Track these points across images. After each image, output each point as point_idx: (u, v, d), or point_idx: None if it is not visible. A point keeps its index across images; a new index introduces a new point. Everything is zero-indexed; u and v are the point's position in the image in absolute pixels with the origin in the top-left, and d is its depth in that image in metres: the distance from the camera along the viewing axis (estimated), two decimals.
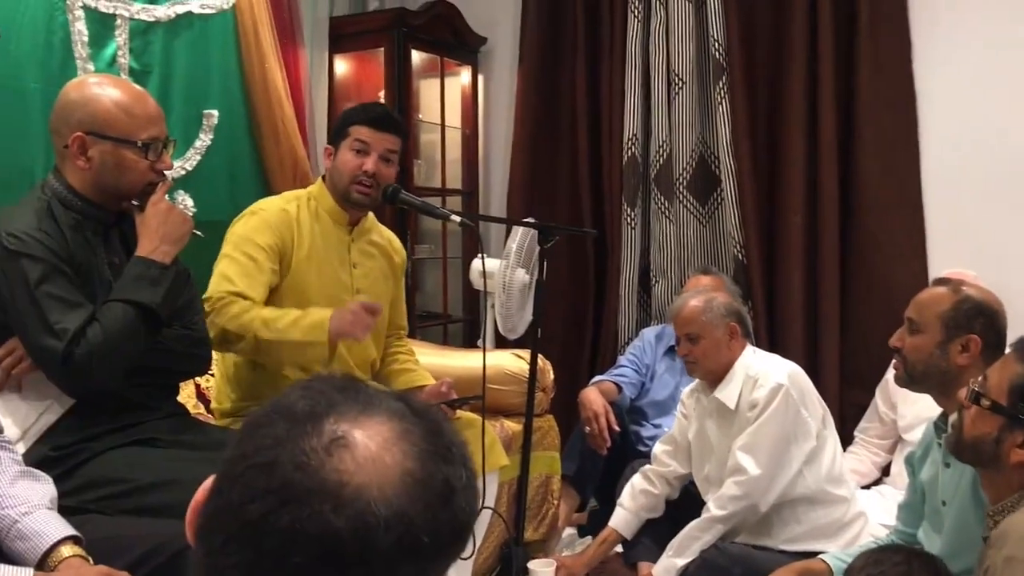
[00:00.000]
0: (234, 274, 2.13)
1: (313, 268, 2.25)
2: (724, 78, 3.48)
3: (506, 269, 3.12)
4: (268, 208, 2.27)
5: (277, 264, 2.21)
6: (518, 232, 3.26)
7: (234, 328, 2.07)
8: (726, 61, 3.48)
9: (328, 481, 0.62)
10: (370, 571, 0.62)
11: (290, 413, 0.66)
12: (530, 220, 2.83)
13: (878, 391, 3.10)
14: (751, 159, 3.51)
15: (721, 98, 3.49)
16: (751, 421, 2.39)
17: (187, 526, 0.70)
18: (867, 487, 3.01)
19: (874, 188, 3.35)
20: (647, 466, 2.73)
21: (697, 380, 2.60)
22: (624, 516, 2.70)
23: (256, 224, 2.21)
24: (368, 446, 0.64)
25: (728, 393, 2.47)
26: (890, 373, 2.82)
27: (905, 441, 2.95)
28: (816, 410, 2.44)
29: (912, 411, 2.87)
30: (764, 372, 2.43)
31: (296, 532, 0.61)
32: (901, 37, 3.31)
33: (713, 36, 3.48)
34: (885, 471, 3.09)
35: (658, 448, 2.73)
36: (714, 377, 2.51)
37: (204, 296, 2.09)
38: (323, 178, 2.37)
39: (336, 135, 2.33)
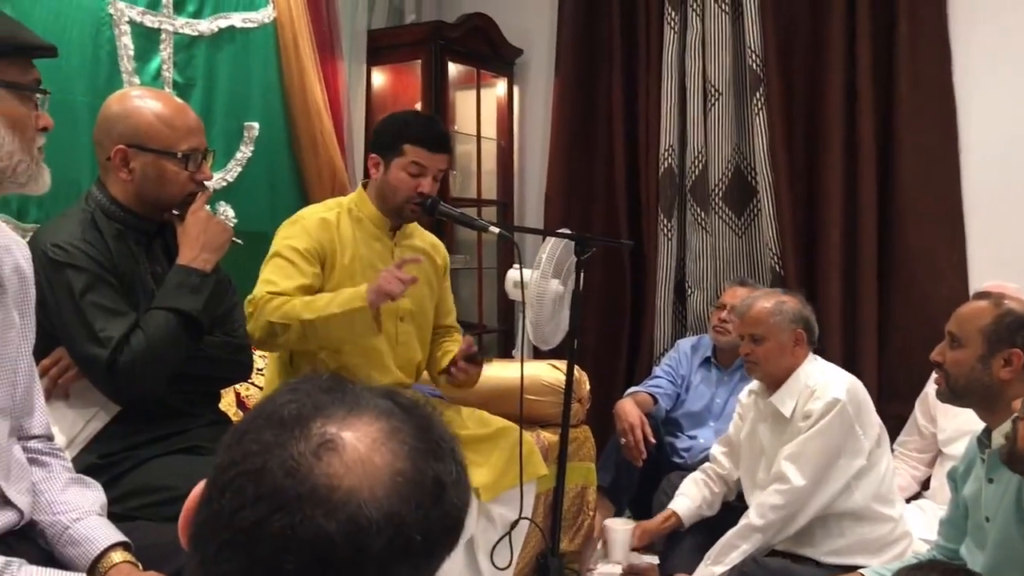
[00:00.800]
0: (274, 276, 2.17)
1: (357, 273, 2.27)
2: (761, 89, 3.47)
3: (538, 280, 3.13)
4: (308, 216, 2.30)
5: (318, 267, 2.23)
6: (549, 242, 3.27)
7: (278, 319, 2.09)
8: (763, 72, 3.47)
9: (318, 486, 0.62)
10: (363, 573, 0.62)
11: (277, 418, 0.66)
12: (566, 231, 2.84)
13: (918, 404, 3.06)
14: (788, 170, 3.49)
15: (758, 109, 3.48)
16: (802, 431, 2.38)
17: (180, 534, 0.70)
18: (907, 501, 2.97)
19: (914, 200, 3.32)
20: (707, 463, 2.72)
21: (756, 382, 2.59)
22: (686, 504, 2.68)
23: (296, 231, 2.25)
24: (357, 448, 0.64)
25: (784, 400, 2.45)
26: (930, 386, 2.79)
27: (945, 455, 2.91)
28: (871, 429, 2.40)
29: (952, 424, 2.84)
30: (823, 384, 2.40)
31: (288, 538, 0.61)
32: (941, 48, 3.28)
33: (750, 47, 3.48)
34: (924, 485, 3.05)
35: (715, 449, 2.72)
36: (772, 381, 2.49)
37: (247, 299, 2.12)
38: (363, 186, 2.38)
39: (386, 148, 2.29)
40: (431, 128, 2.33)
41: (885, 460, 2.45)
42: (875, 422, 2.44)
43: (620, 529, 2.55)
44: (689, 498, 2.69)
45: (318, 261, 2.23)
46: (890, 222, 3.37)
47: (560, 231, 2.94)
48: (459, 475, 0.68)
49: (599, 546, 2.54)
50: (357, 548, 0.61)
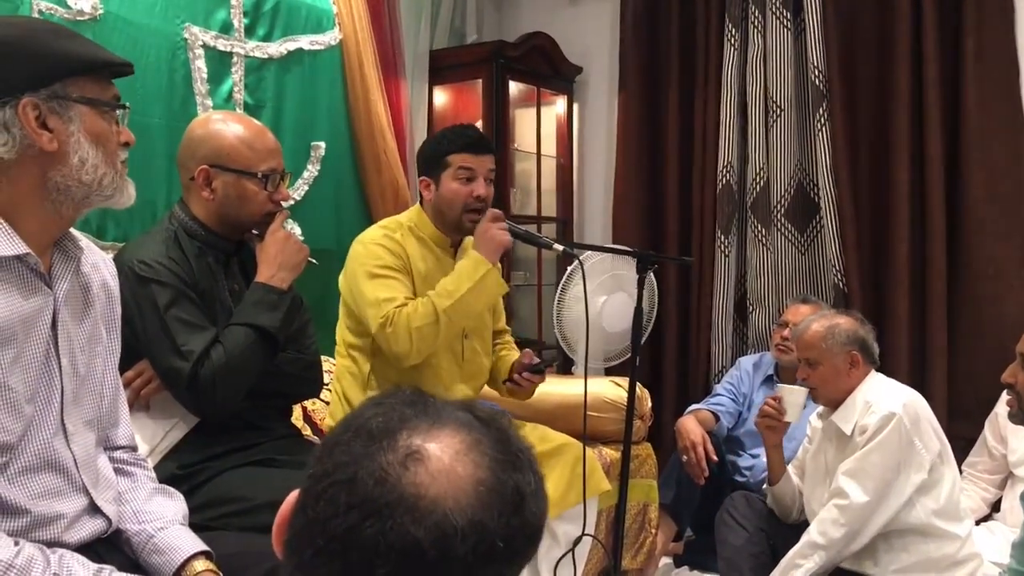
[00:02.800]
0: (387, 293, 2.19)
1: (427, 286, 2.30)
2: (824, 105, 3.45)
3: (594, 297, 3.16)
4: (378, 239, 2.30)
5: (408, 280, 2.27)
6: (606, 259, 3.29)
7: (421, 322, 2.13)
8: (826, 88, 3.45)
9: (406, 494, 0.65)
10: None
11: (366, 430, 0.69)
12: (627, 248, 2.85)
13: (987, 424, 3.00)
14: (852, 186, 3.46)
15: (821, 125, 3.45)
16: (860, 446, 2.35)
17: (274, 540, 0.73)
18: (976, 523, 2.91)
19: (982, 217, 3.26)
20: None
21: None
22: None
23: (376, 251, 2.26)
24: (441, 458, 0.67)
25: (845, 418, 2.43)
26: (1000, 406, 2.73)
27: (1016, 476, 2.84)
28: (932, 443, 2.36)
29: None
30: (879, 399, 2.37)
31: (379, 544, 0.64)
32: (1008, 63, 3.23)
33: (813, 63, 3.46)
34: (995, 507, 2.99)
35: (790, 468, 2.70)
36: (832, 402, 2.48)
37: (379, 322, 2.15)
38: (420, 204, 2.42)
39: (432, 167, 2.34)
40: (468, 133, 2.37)
41: (950, 476, 2.40)
42: (935, 436, 2.40)
43: (798, 390, 2.52)
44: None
45: (406, 273, 2.27)
46: (958, 239, 3.31)
47: (620, 247, 2.95)
48: (537, 485, 0.71)
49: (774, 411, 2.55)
50: (443, 553, 0.64)
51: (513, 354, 2.55)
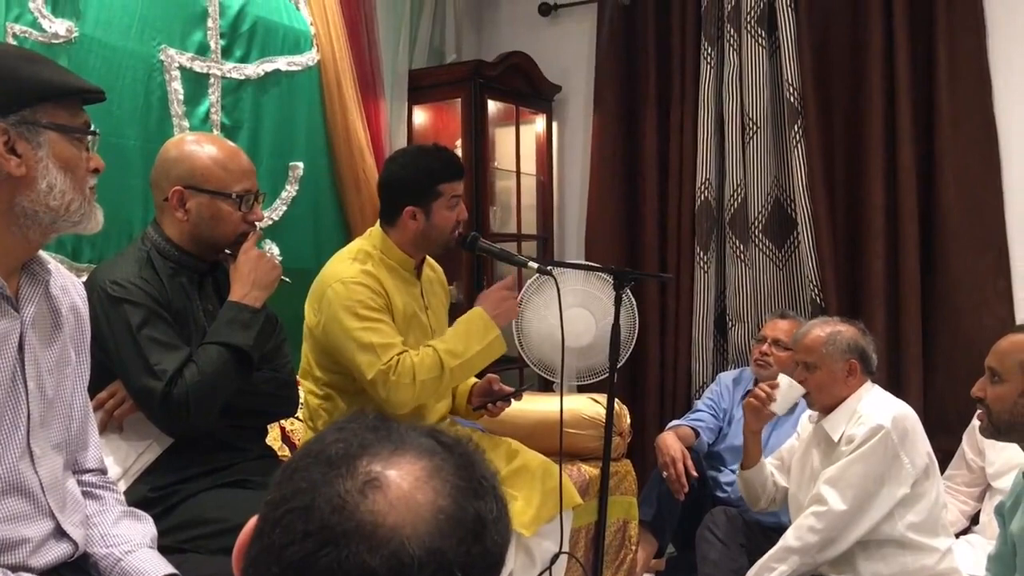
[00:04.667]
0: (383, 339, 2.15)
1: (409, 318, 2.30)
2: (799, 121, 3.49)
3: (553, 314, 3.17)
4: (354, 274, 2.21)
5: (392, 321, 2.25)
6: (579, 276, 3.30)
7: (427, 375, 2.14)
8: (801, 105, 3.49)
9: (363, 522, 0.64)
10: None
11: (325, 456, 0.68)
12: (602, 265, 2.86)
13: (965, 437, 3.02)
14: (828, 202, 3.49)
15: (796, 141, 3.49)
16: (844, 455, 2.36)
17: (234, 567, 0.72)
18: (955, 536, 2.92)
19: (956, 229, 3.30)
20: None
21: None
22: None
23: (358, 291, 2.18)
24: (400, 485, 0.66)
25: (833, 425, 2.44)
26: (977, 419, 2.75)
27: (994, 489, 2.86)
28: (919, 458, 2.37)
29: (1001, 457, 2.79)
30: (869, 410, 2.39)
31: (335, 572, 0.63)
32: (980, 76, 3.28)
33: (788, 81, 3.49)
34: (974, 520, 3.00)
35: (769, 459, 2.70)
36: (825, 408, 2.49)
37: (380, 368, 2.10)
38: (381, 226, 2.36)
39: (421, 197, 2.27)
40: (452, 160, 2.36)
41: (934, 492, 2.41)
42: (924, 452, 2.41)
43: (797, 387, 2.51)
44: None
45: (389, 315, 2.24)
46: (933, 252, 3.35)
47: (596, 265, 2.97)
48: (500, 513, 0.70)
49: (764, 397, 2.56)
50: None
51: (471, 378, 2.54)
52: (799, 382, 2.51)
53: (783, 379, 2.56)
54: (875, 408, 2.39)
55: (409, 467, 0.67)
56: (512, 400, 2.45)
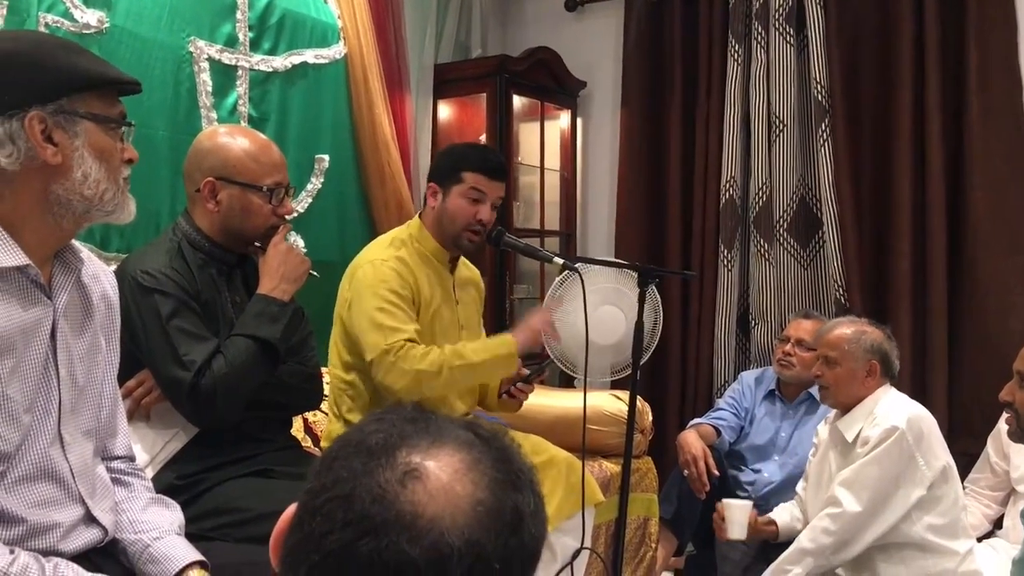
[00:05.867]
0: (394, 323, 2.18)
1: (434, 310, 2.31)
2: (827, 120, 3.46)
3: (580, 312, 3.16)
4: (387, 258, 2.27)
5: (414, 311, 2.27)
6: (610, 274, 3.29)
7: (426, 367, 2.14)
8: (828, 103, 3.47)
9: (403, 512, 0.64)
10: None
11: (365, 446, 0.68)
12: (628, 262, 2.85)
13: (990, 440, 2.99)
14: (854, 201, 3.47)
15: (824, 140, 3.47)
16: (860, 457, 2.35)
17: (271, 554, 0.72)
18: (978, 540, 2.89)
19: (984, 232, 3.26)
20: (794, 501, 2.69)
21: (832, 411, 2.57)
22: (784, 517, 2.62)
23: (387, 273, 2.23)
24: (440, 477, 0.66)
25: (849, 425, 2.43)
26: (1003, 423, 2.72)
27: (1018, 493, 2.83)
28: (936, 460, 2.35)
29: None
30: (886, 412, 2.38)
31: (374, 562, 0.63)
32: (1011, 77, 3.24)
33: (815, 79, 3.47)
34: (997, 524, 2.97)
35: (799, 486, 2.68)
36: (841, 406, 2.48)
37: (383, 348, 2.13)
38: (419, 215, 2.42)
39: (446, 176, 2.33)
40: (489, 156, 2.39)
41: (952, 494, 2.39)
42: (941, 453, 2.39)
43: (738, 505, 2.52)
44: (787, 512, 2.64)
45: (412, 305, 2.26)
46: (960, 254, 3.32)
47: (619, 261, 2.96)
48: (537, 506, 0.70)
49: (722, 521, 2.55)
50: (439, 573, 0.63)
51: None
52: (816, 377, 2.52)
53: (725, 503, 2.57)
54: (891, 410, 2.39)
55: (448, 459, 0.68)
56: (534, 384, 2.46)
